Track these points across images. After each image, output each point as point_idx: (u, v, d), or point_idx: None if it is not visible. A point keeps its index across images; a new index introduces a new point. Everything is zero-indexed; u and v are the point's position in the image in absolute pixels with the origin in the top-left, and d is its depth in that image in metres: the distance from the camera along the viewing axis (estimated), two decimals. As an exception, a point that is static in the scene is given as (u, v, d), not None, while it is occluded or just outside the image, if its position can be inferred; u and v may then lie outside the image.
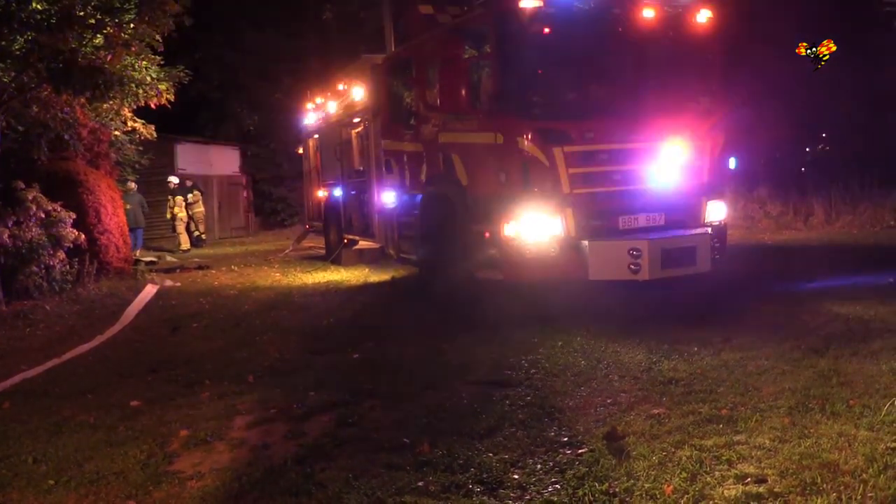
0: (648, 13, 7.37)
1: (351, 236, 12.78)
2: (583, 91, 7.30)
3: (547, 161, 6.98)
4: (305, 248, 16.70)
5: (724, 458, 3.69)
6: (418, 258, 9.21)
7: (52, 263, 10.08)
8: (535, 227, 7.01)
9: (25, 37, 9.39)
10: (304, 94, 15.42)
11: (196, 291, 11.05)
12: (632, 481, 3.50)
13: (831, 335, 6.01)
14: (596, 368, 5.49)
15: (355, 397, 5.12)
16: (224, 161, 25.64)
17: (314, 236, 16.16)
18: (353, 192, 12.18)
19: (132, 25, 10.15)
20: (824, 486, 3.31)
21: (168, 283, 12.07)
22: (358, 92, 11.20)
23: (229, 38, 26.12)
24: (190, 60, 16.67)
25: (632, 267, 6.93)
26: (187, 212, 19.59)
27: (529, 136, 6.98)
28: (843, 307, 7.03)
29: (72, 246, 10.49)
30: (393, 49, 11.07)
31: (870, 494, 3.22)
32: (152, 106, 12.72)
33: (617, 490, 3.42)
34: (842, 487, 3.29)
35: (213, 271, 13.69)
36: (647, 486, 3.44)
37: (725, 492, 3.32)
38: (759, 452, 3.72)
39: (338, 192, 12.95)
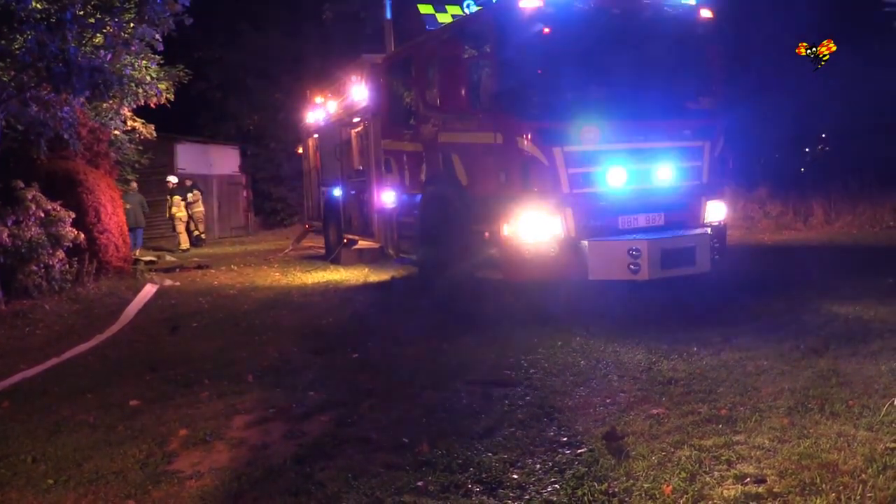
0: (649, 13, 7.37)
1: (350, 236, 12.77)
2: (582, 91, 7.29)
3: (546, 161, 6.98)
4: (305, 247, 16.70)
5: (723, 458, 3.69)
6: (418, 258, 9.22)
7: (51, 263, 10.07)
8: (534, 226, 7.01)
9: (25, 36, 9.39)
10: (304, 94, 15.43)
11: (195, 291, 11.05)
12: (631, 481, 3.50)
13: (831, 335, 6.01)
14: (595, 368, 5.50)
15: (354, 397, 5.12)
16: (224, 160, 25.64)
17: (314, 236, 16.16)
18: (352, 192, 12.18)
19: (132, 25, 10.15)
20: (823, 486, 3.31)
21: (167, 282, 12.06)
22: (357, 92, 11.20)
23: (229, 38, 26.12)
24: (190, 60, 16.70)
25: (631, 267, 6.93)
26: (187, 211, 19.60)
27: (529, 136, 6.98)
28: (843, 307, 7.03)
29: (71, 245, 10.48)
30: (393, 49, 11.05)
31: (869, 495, 3.22)
32: (152, 105, 12.74)
33: (616, 490, 3.42)
34: (841, 487, 3.29)
35: (213, 271, 13.69)
36: (646, 486, 3.44)
37: (724, 492, 3.32)
38: (758, 452, 3.72)
39: (337, 192, 12.94)
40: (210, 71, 25.68)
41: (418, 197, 8.96)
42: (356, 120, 11.58)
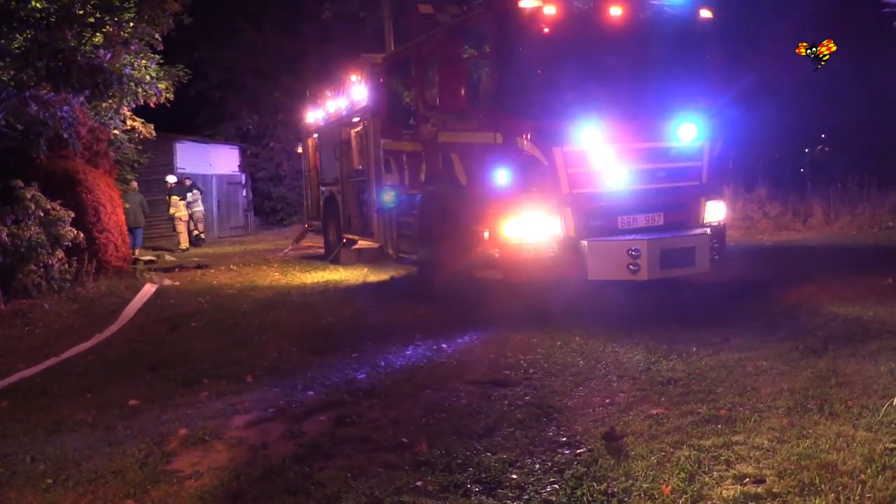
0: (648, 13, 7.37)
1: (350, 236, 12.78)
2: (582, 91, 7.29)
3: (546, 161, 6.98)
4: (304, 247, 16.70)
5: (722, 458, 3.69)
6: (417, 258, 9.22)
7: (50, 262, 10.07)
8: (534, 226, 7.01)
9: (25, 35, 9.39)
10: (304, 94, 15.44)
11: (195, 291, 11.04)
12: (630, 481, 3.50)
13: (830, 336, 6.02)
14: (594, 368, 5.49)
15: (353, 397, 5.12)
16: (223, 160, 25.63)
17: (313, 236, 16.16)
18: (352, 192, 12.18)
19: (131, 24, 10.15)
20: (822, 486, 3.31)
21: (167, 282, 12.05)
22: (357, 91, 11.20)
23: (229, 37, 26.13)
24: (189, 59, 16.72)
25: (631, 267, 6.93)
26: (186, 211, 19.58)
27: (529, 136, 6.98)
28: (842, 308, 7.03)
29: (70, 245, 10.48)
30: (392, 49, 11.06)
31: (868, 495, 3.22)
32: (151, 105, 12.72)
33: (615, 490, 3.42)
34: (840, 488, 3.29)
35: (212, 270, 13.68)
36: (645, 486, 3.44)
37: (724, 492, 3.32)
38: (757, 453, 3.72)
39: (337, 192, 12.94)
40: (210, 70, 25.69)
41: (418, 197, 8.96)
42: (356, 120, 11.58)
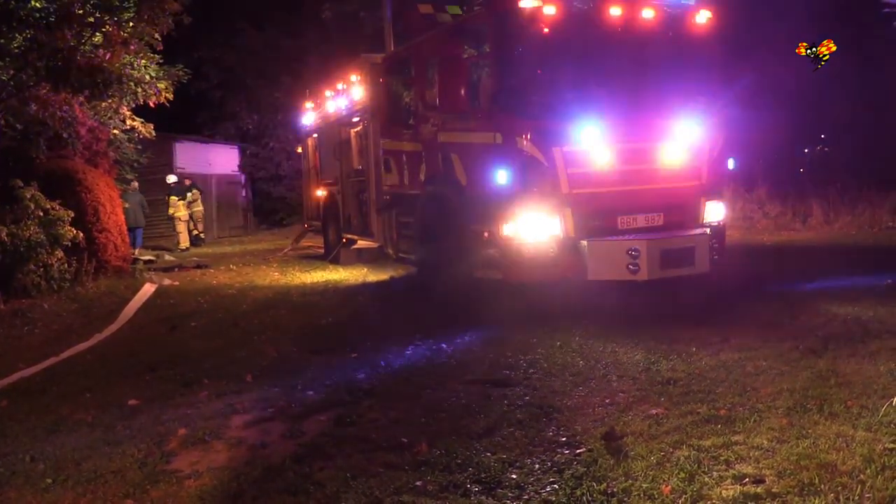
0: (648, 13, 7.38)
1: (349, 235, 12.77)
2: (582, 91, 7.29)
3: (546, 161, 6.98)
4: (304, 247, 16.70)
5: (722, 458, 3.69)
6: (417, 258, 9.21)
7: (50, 262, 10.07)
8: (534, 226, 7.01)
9: (24, 34, 9.39)
10: (304, 94, 15.43)
11: (195, 290, 11.04)
12: (630, 481, 3.49)
13: (829, 336, 6.01)
14: (594, 368, 5.49)
15: (353, 397, 5.12)
16: (223, 160, 25.63)
17: (313, 235, 16.16)
18: (351, 192, 12.18)
19: (131, 24, 10.14)
20: (822, 486, 3.31)
21: (167, 281, 12.05)
22: (357, 91, 11.20)
23: (229, 37, 26.12)
24: (189, 59, 16.71)
25: (630, 267, 6.93)
26: (186, 211, 19.58)
27: (528, 136, 6.98)
28: (842, 308, 7.03)
29: (70, 244, 10.47)
30: (392, 49, 11.05)
31: (867, 495, 3.22)
32: (151, 104, 12.71)
33: (615, 490, 3.42)
34: (839, 488, 3.29)
35: (212, 270, 13.68)
36: (645, 486, 3.44)
37: (723, 492, 3.32)
38: (757, 453, 3.72)
39: (336, 192, 12.94)
40: (210, 70, 25.69)
41: (418, 197, 8.96)
42: (355, 120, 11.58)
